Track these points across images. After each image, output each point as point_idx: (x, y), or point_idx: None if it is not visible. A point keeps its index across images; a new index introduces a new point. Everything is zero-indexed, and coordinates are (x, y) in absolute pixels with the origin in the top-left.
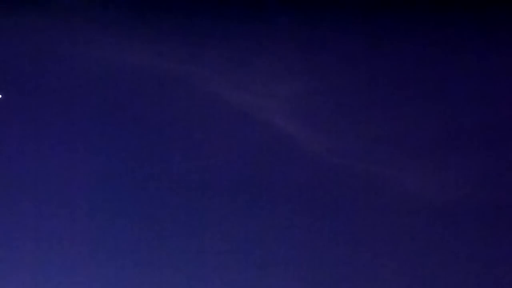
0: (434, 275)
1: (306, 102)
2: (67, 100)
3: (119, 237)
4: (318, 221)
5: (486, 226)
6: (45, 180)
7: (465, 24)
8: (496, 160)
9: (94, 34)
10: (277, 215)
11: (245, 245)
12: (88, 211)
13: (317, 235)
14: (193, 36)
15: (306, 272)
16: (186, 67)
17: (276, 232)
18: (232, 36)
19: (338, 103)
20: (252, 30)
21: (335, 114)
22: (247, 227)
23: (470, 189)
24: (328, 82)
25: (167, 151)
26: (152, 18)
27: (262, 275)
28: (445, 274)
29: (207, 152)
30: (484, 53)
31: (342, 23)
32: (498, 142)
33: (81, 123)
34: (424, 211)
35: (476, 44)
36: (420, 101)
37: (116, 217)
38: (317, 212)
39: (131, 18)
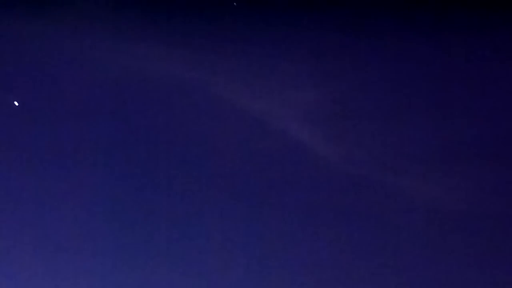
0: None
1: (322, 110)
2: (73, 104)
3: (122, 238)
4: (333, 230)
5: (502, 236)
6: (49, 181)
7: (474, 32)
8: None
9: (110, 39)
10: (291, 223)
11: (256, 253)
12: (91, 213)
13: (331, 244)
14: (207, 44)
15: (318, 281)
16: (200, 74)
17: (289, 240)
18: (247, 43)
19: (354, 111)
20: (268, 38)
21: (351, 122)
22: (260, 234)
23: (492, 200)
24: (344, 90)
25: (180, 157)
26: (166, 25)
27: (270, 282)
28: (456, 284)
29: (221, 159)
30: (490, 57)
31: (358, 31)
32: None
33: (91, 128)
34: (441, 221)
35: (483, 50)
36: (436, 110)
37: (120, 219)
38: (332, 221)
39: (146, 24)
